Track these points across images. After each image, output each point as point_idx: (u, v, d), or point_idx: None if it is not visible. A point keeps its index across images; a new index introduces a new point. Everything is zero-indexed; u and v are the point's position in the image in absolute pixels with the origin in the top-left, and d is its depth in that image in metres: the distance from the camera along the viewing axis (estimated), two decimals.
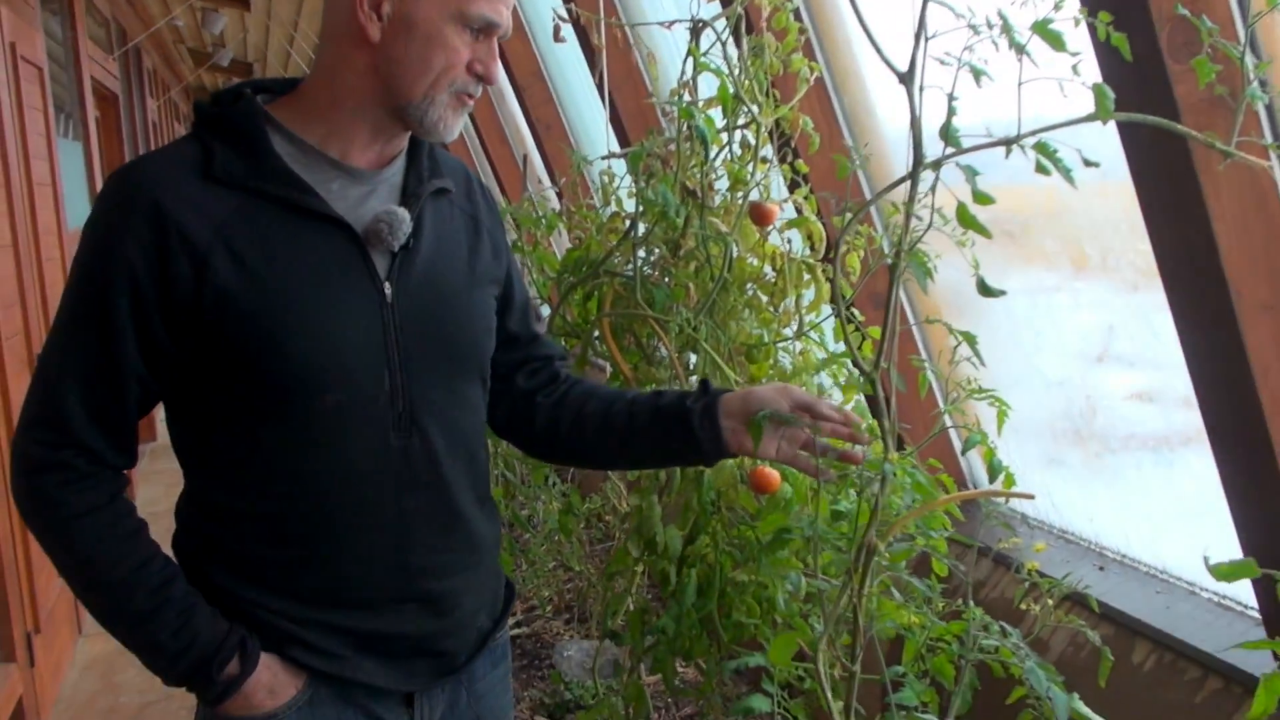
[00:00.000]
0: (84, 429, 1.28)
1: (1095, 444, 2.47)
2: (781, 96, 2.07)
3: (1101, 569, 2.35)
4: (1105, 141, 1.62)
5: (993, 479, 1.95)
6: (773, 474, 1.78)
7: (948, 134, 1.23)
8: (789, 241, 2.08)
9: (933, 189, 1.25)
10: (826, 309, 2.12)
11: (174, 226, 1.23)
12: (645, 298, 1.97)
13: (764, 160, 2.06)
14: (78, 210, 5.15)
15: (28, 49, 4.08)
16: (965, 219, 1.21)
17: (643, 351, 2.14)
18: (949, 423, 1.74)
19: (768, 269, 2.11)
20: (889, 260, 1.27)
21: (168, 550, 1.37)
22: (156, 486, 6.23)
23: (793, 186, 2.23)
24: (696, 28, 1.99)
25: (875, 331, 1.98)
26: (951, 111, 1.23)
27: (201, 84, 13.56)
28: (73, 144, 5.42)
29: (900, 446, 2.77)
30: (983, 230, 1.22)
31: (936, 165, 1.22)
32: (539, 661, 3.65)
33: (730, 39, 1.98)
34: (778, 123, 2.09)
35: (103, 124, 6.74)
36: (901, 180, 1.25)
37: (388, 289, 1.32)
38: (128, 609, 1.29)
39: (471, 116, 5.85)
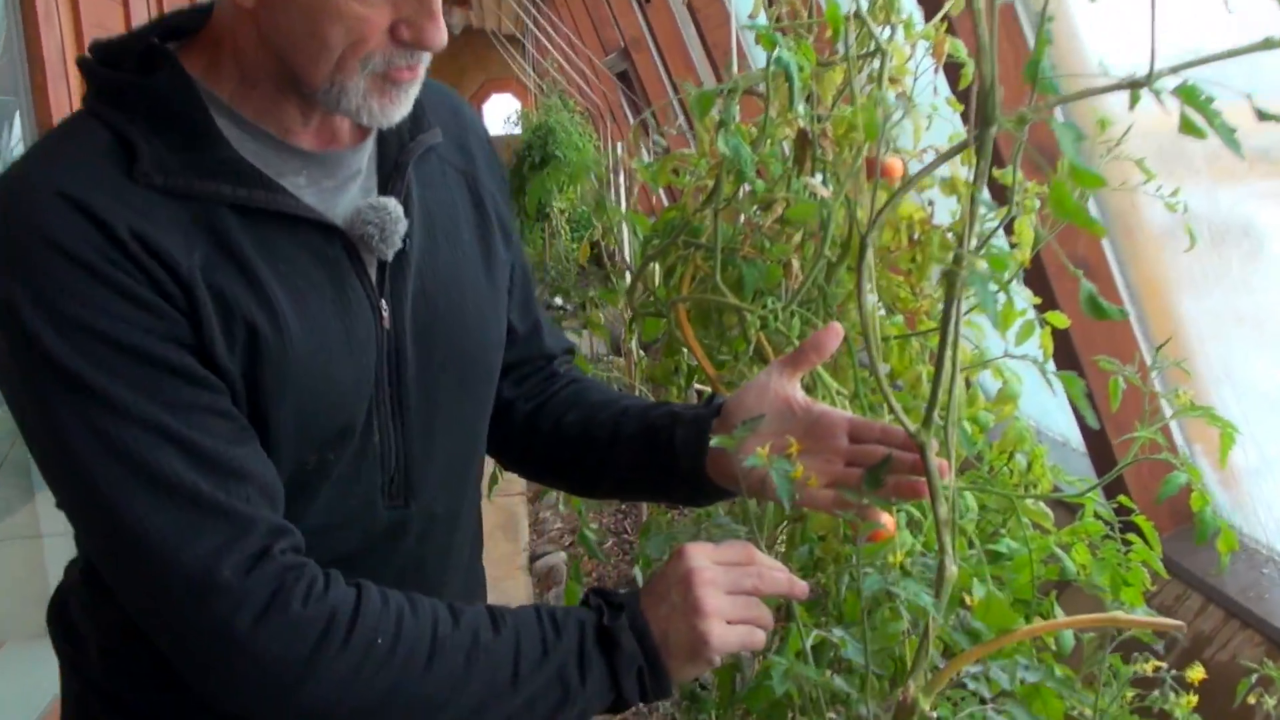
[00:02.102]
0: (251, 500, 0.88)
1: None
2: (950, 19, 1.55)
3: None
4: None
5: (1202, 540, 1.43)
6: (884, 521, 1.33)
7: (1035, 74, 0.74)
8: (931, 204, 1.58)
9: (1016, 154, 0.78)
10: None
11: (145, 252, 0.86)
12: (730, 279, 1.52)
13: (903, 95, 1.57)
14: None
15: None
16: (1065, 207, 0.73)
17: (747, 343, 1.70)
18: (1171, 452, 1.24)
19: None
20: (946, 266, 0.79)
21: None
22: None
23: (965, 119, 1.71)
24: None
25: (1057, 319, 1.47)
26: (1043, 39, 0.74)
27: None
28: None
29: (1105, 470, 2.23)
30: (1091, 223, 0.74)
31: (1022, 122, 0.74)
32: None
33: None
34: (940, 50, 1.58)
35: None
36: (959, 148, 0.78)
37: (385, 310, 0.97)
38: (496, 688, 0.90)
39: (654, 37, 5.39)
